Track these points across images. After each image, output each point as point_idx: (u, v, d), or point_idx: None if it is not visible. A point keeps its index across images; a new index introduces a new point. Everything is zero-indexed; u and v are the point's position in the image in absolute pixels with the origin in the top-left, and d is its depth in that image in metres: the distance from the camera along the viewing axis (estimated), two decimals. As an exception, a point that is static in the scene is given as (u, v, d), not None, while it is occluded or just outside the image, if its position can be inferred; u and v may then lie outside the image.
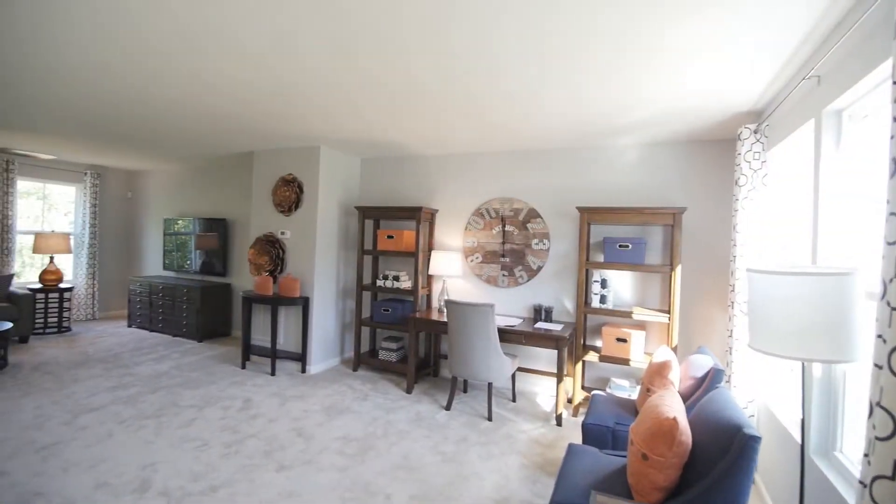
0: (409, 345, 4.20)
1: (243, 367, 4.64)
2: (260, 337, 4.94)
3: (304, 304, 4.57)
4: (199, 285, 5.76)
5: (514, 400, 3.97)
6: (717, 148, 3.70)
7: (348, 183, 5.10)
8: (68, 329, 5.94)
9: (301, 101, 3.15)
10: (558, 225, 4.24)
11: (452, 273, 4.37)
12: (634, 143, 3.94)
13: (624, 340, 3.58)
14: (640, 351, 3.58)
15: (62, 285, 5.90)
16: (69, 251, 6.03)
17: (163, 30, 2.14)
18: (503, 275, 4.44)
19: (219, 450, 2.88)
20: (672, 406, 1.79)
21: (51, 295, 5.85)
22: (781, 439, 2.34)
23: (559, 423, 3.49)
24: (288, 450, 2.92)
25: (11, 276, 5.45)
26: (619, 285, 3.98)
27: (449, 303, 3.57)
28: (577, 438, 3.26)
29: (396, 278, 4.58)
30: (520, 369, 4.23)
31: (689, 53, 2.19)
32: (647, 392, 2.64)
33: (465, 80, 2.65)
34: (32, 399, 3.59)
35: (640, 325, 3.80)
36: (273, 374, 4.43)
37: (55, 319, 5.90)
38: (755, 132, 2.83)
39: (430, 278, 4.74)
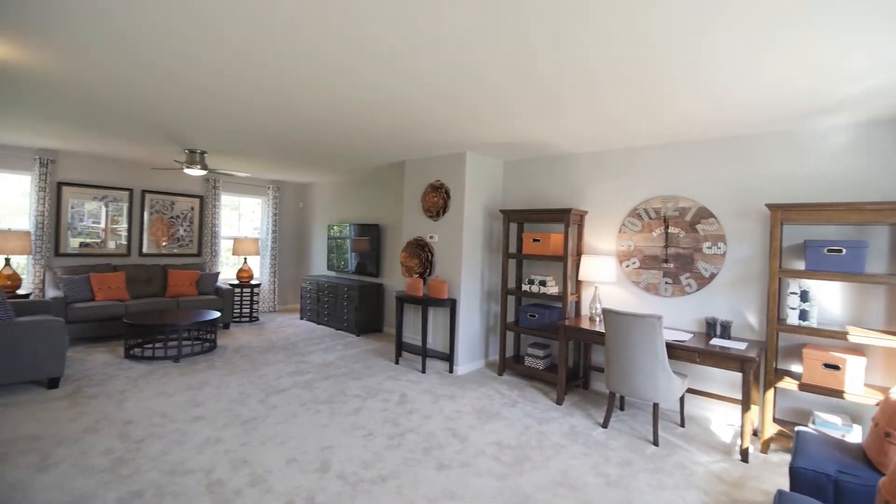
0: (558, 353, 4.01)
1: (396, 362, 4.94)
2: (410, 335, 5.22)
3: (452, 305, 4.69)
4: (357, 285, 6.33)
5: (682, 425, 3.52)
6: (983, 122, 2.80)
7: (492, 187, 5.11)
8: (257, 319, 7.03)
9: (451, 106, 3.22)
10: (737, 225, 3.66)
11: (605, 279, 4.07)
12: (845, 122, 3.20)
13: (835, 367, 2.91)
14: (860, 382, 2.87)
15: (252, 282, 7.02)
16: (258, 253, 7.15)
17: (338, 61, 2.35)
18: (666, 282, 3.98)
19: (383, 441, 3.07)
20: (958, 466, 1.35)
21: (244, 290, 6.99)
22: None
23: (744, 459, 2.97)
24: (445, 449, 2.98)
25: (217, 273, 6.64)
26: (826, 299, 3.26)
27: (608, 312, 3.31)
28: (775, 481, 2.73)
29: (543, 283, 4.43)
30: (689, 390, 3.74)
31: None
32: (885, 438, 2.08)
33: (652, 67, 2.41)
34: (235, 378, 4.28)
35: (858, 350, 3.05)
36: (423, 371, 4.63)
37: (247, 310, 7.04)
38: None
39: (579, 284, 4.48)
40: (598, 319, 4.08)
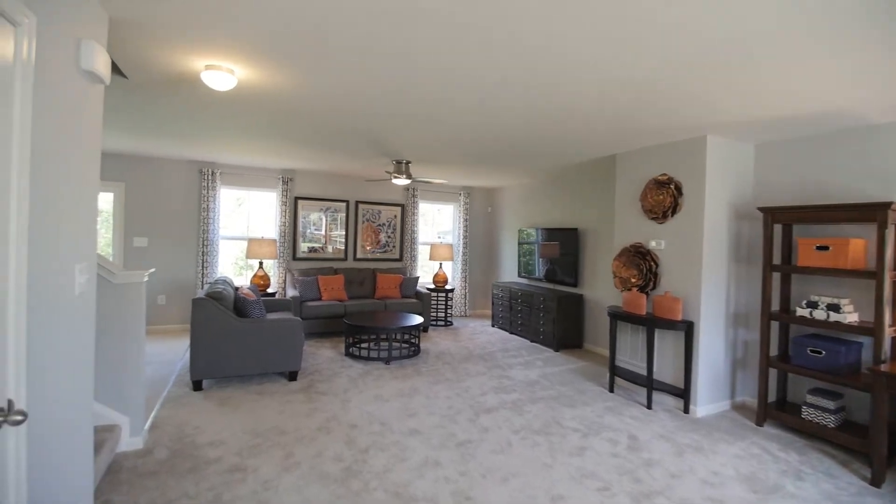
0: (872, 410, 2.80)
1: (611, 390, 4.24)
2: (625, 359, 4.45)
3: (688, 329, 3.78)
4: (554, 294, 5.80)
5: None
6: None
7: (739, 179, 4.00)
8: (451, 323, 7.09)
9: (686, 78, 2.42)
10: None
11: (961, 307, 2.68)
12: None
13: None
14: None
15: (447, 287, 7.10)
16: (452, 259, 7.22)
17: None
18: None
19: (626, 501, 2.45)
20: None
21: (439, 294, 7.12)
22: None
23: None
24: (719, 534, 2.21)
25: (417, 278, 6.89)
26: None
27: None
28: None
29: (834, 308, 3.20)
30: None
31: None
32: None
33: None
34: (442, 388, 4.16)
35: None
36: (649, 407, 3.83)
37: (442, 314, 7.15)
38: None
39: (899, 311, 3.11)
40: (946, 368, 2.72)
